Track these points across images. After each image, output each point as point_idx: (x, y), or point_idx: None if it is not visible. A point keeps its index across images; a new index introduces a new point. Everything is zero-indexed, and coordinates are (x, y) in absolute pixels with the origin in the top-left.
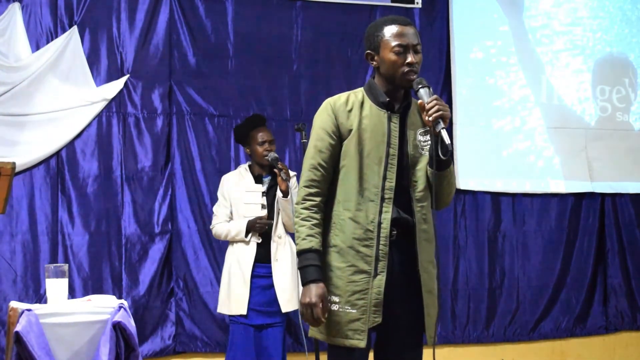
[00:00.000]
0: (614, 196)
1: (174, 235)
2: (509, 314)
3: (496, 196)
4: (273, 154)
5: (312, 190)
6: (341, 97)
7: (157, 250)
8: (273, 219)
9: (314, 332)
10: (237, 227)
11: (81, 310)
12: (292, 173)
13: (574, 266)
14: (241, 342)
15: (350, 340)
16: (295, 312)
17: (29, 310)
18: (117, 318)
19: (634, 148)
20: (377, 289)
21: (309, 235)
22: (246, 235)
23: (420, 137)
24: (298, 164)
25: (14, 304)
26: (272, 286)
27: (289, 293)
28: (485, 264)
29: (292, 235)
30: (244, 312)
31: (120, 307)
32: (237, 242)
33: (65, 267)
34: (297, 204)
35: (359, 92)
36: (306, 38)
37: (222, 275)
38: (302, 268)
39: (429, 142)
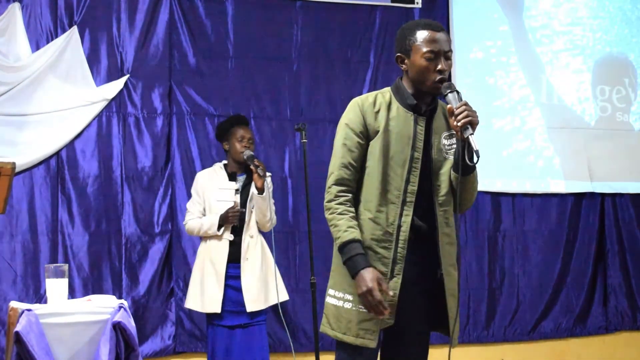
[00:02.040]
0: (614, 196)
1: (174, 235)
2: (509, 314)
3: (496, 196)
4: (249, 152)
5: (344, 188)
6: (369, 97)
7: (157, 250)
8: (244, 221)
9: (325, 328)
10: (210, 221)
11: (81, 310)
12: (267, 173)
13: (574, 266)
14: (220, 345)
15: (361, 340)
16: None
17: (29, 310)
18: (117, 318)
19: (634, 148)
20: (392, 291)
21: (349, 227)
22: (218, 229)
23: (444, 141)
24: (298, 164)
25: (14, 304)
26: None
27: (255, 293)
28: (485, 264)
29: (264, 235)
30: (219, 310)
31: (120, 307)
32: (209, 238)
33: (65, 267)
34: (329, 201)
35: (386, 93)
36: (306, 38)
37: (193, 271)
38: (348, 259)
39: (454, 146)
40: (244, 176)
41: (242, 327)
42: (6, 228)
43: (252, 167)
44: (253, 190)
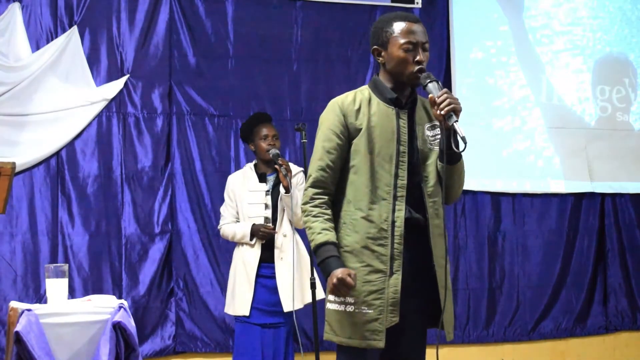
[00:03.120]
0: (614, 196)
1: (174, 235)
2: (509, 314)
3: (496, 196)
4: (275, 150)
5: (320, 190)
6: (348, 96)
7: (157, 250)
8: (277, 221)
9: (329, 335)
10: (242, 231)
11: (81, 310)
12: (297, 169)
13: (574, 266)
14: (246, 341)
15: (368, 341)
16: (299, 312)
17: (29, 310)
18: (117, 318)
19: (634, 148)
20: (393, 288)
21: (324, 229)
22: (251, 239)
23: (428, 132)
24: (298, 164)
25: (14, 304)
26: (277, 286)
27: (290, 292)
28: (485, 264)
29: (299, 232)
30: (247, 313)
31: (120, 307)
32: (243, 243)
33: (65, 267)
34: (304, 203)
35: (364, 90)
36: (306, 38)
37: (229, 276)
38: (322, 261)
39: (438, 136)
40: (274, 175)
41: (272, 327)
42: (6, 228)
43: (276, 165)
44: (281, 188)
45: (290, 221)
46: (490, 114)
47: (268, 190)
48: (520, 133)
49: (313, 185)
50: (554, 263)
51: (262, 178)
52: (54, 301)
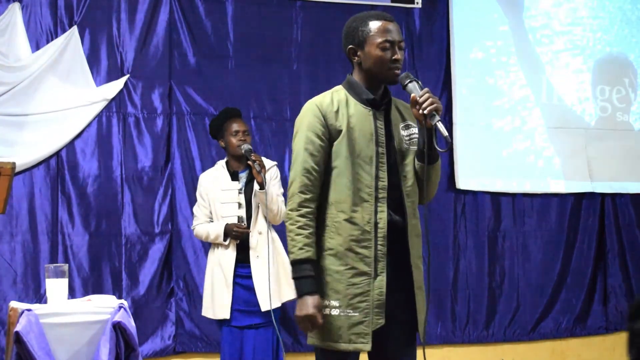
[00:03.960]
0: (614, 196)
1: (174, 235)
2: (509, 314)
3: (496, 196)
4: (247, 145)
5: (308, 196)
6: (325, 97)
7: (157, 250)
8: (252, 219)
9: (312, 339)
10: (216, 231)
11: (81, 310)
12: (270, 162)
13: (574, 266)
14: (228, 345)
15: (354, 345)
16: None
17: (29, 310)
18: (117, 318)
19: (634, 148)
20: (378, 290)
21: (306, 245)
22: (225, 239)
23: (402, 132)
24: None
25: (14, 304)
26: (254, 286)
27: (268, 291)
28: (485, 264)
29: (275, 228)
30: (227, 316)
31: (120, 307)
32: (218, 244)
33: (65, 267)
34: (291, 210)
35: (340, 91)
36: (306, 38)
37: (205, 277)
38: (297, 279)
39: (413, 136)
40: (246, 172)
41: (255, 328)
42: (6, 228)
43: (249, 162)
44: (256, 186)
45: (265, 217)
46: (490, 114)
47: (241, 189)
48: (520, 133)
49: (301, 190)
50: (554, 263)
51: (234, 176)
52: (54, 301)
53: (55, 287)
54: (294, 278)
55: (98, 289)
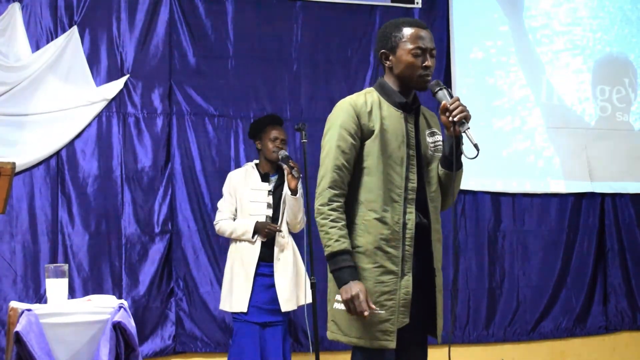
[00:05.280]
0: (614, 196)
1: (174, 235)
2: (509, 314)
3: (496, 196)
4: (284, 152)
5: (338, 192)
6: (359, 97)
7: (157, 250)
8: (277, 222)
9: (336, 335)
10: (244, 227)
11: (81, 310)
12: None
13: (574, 266)
14: (245, 339)
15: (379, 342)
16: (296, 311)
17: (29, 310)
18: (117, 318)
19: (634, 148)
20: (405, 289)
21: (341, 237)
22: (253, 236)
23: (428, 139)
24: (298, 164)
25: (14, 304)
26: (274, 285)
27: (288, 293)
28: (485, 264)
29: (294, 235)
30: (245, 309)
31: (120, 307)
32: (241, 240)
33: (65, 267)
34: (322, 205)
35: (372, 92)
36: (306, 38)
37: (224, 272)
38: (337, 270)
39: (437, 143)
40: (276, 176)
41: (270, 326)
42: (6, 228)
43: (286, 167)
44: (286, 191)
45: (287, 223)
46: (490, 114)
47: (270, 190)
48: (520, 133)
49: (331, 186)
50: (554, 263)
51: (264, 177)
52: (54, 301)
53: (55, 287)
54: (333, 270)
55: (98, 289)
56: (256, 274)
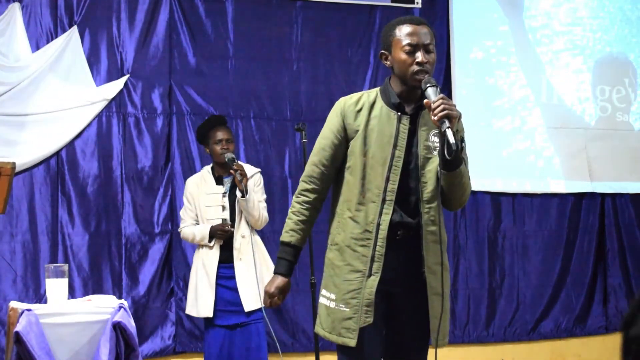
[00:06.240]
0: (614, 196)
1: (174, 235)
2: (509, 314)
3: (496, 196)
4: (229, 154)
5: (309, 187)
6: (353, 96)
7: (157, 250)
8: (235, 222)
9: (317, 327)
10: (201, 233)
11: (81, 310)
12: (253, 170)
13: (574, 266)
14: (214, 344)
15: (342, 338)
16: (297, 311)
17: (29, 310)
18: (117, 318)
19: (634, 148)
20: (369, 289)
21: (292, 230)
22: (210, 241)
23: (434, 138)
24: (298, 164)
25: (14, 304)
26: (237, 286)
27: (250, 292)
28: (485, 264)
29: (259, 232)
30: (210, 314)
31: (120, 307)
32: (202, 245)
33: (65, 267)
34: (295, 195)
35: (372, 92)
36: (306, 38)
37: (190, 278)
38: (278, 258)
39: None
40: (230, 177)
41: (240, 327)
42: (6, 228)
43: (231, 170)
44: (237, 192)
45: (247, 222)
46: (490, 114)
47: (225, 192)
48: (520, 133)
49: (304, 180)
50: (554, 263)
51: (219, 180)
52: (54, 301)
53: (55, 287)
54: (277, 257)
55: (98, 289)
56: (218, 277)
